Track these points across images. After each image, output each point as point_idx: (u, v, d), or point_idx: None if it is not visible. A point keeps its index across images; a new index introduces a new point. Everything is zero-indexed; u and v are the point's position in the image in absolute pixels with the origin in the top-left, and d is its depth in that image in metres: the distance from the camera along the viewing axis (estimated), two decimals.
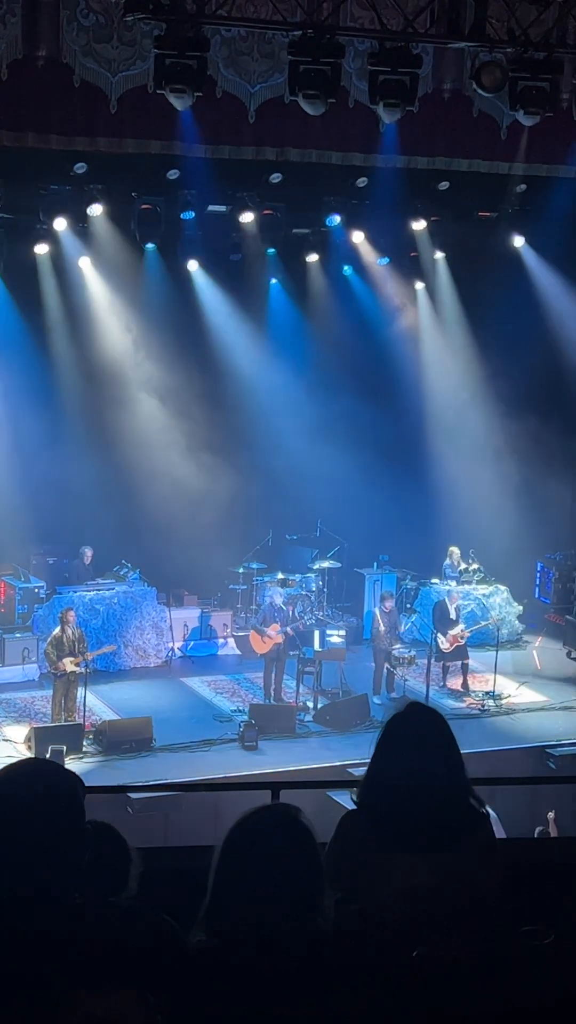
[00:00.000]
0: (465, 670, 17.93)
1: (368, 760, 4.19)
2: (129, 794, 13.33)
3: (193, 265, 18.84)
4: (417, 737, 4.14)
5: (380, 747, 4.18)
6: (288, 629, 17.35)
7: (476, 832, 4.13)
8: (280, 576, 19.60)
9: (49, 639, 16.13)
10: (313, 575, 19.66)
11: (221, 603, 19.72)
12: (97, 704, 16.44)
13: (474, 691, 17.71)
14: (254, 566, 19.68)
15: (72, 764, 13.42)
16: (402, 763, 4.09)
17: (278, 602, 17.67)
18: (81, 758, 14.63)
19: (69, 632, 15.95)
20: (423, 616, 18.89)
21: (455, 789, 4.11)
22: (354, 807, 4.20)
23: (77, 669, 15.75)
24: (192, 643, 19.02)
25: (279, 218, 17.87)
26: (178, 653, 18.81)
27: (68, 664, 15.71)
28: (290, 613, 17.70)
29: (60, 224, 16.99)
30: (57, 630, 16.04)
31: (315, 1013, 3.12)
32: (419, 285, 20.17)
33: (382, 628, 17.58)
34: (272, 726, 15.88)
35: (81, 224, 17.23)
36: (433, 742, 4.13)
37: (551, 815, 13.65)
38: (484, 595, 19.57)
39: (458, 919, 3.87)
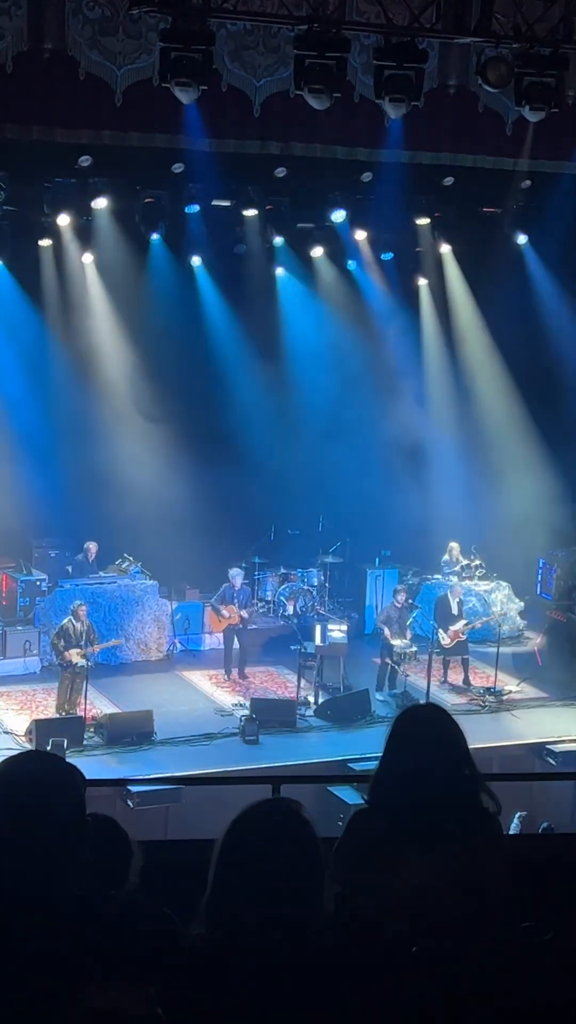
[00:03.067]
0: (466, 666, 17.94)
1: (371, 756, 4.21)
2: (130, 787, 13.36)
3: (197, 259, 18.82)
4: (426, 734, 4.16)
5: (390, 744, 4.19)
6: (243, 612, 17.69)
7: (485, 829, 4.14)
8: (282, 571, 19.64)
9: (57, 629, 16.18)
10: (315, 570, 19.66)
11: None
12: (98, 697, 16.44)
13: (475, 687, 17.72)
14: (256, 560, 19.69)
15: (73, 757, 13.42)
16: (412, 760, 4.10)
17: (237, 584, 17.95)
18: (82, 751, 14.63)
19: (78, 625, 15.99)
20: (424, 612, 18.88)
21: (465, 786, 4.11)
22: (356, 802, 4.21)
23: (82, 661, 15.77)
24: (188, 636, 19.03)
25: (283, 212, 17.84)
26: (179, 647, 18.81)
27: (74, 655, 15.73)
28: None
29: (64, 217, 16.98)
30: (66, 620, 16.11)
31: (315, 1006, 3.12)
32: (423, 281, 20.16)
33: (392, 622, 17.57)
34: (273, 720, 15.90)
35: (85, 217, 17.22)
36: (442, 739, 4.15)
37: (520, 815, 13.26)
38: (486, 591, 19.58)
39: (466, 915, 3.88)
